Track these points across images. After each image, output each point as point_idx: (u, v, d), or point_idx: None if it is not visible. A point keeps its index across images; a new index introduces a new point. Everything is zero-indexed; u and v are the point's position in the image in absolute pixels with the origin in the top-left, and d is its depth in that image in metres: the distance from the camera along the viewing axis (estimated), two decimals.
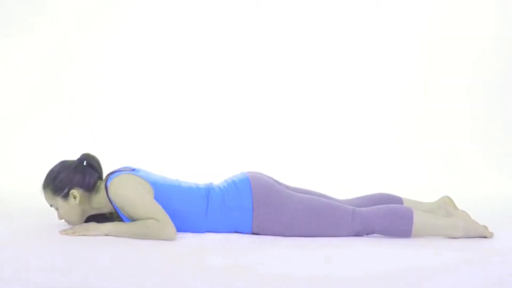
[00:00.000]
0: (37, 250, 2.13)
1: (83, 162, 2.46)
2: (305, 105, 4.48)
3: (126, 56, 4.48)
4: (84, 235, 2.31)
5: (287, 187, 2.63)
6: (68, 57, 4.42)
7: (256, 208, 2.41)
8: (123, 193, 2.30)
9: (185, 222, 2.42)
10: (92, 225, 2.36)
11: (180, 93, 4.48)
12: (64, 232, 2.33)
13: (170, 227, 2.30)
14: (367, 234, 2.49)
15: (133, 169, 2.43)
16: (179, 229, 2.41)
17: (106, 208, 2.44)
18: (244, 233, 2.47)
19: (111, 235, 2.31)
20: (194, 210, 2.41)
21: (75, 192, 2.38)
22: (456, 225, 2.46)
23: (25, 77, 4.39)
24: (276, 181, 2.61)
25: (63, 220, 2.48)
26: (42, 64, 4.40)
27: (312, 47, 4.49)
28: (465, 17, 4.44)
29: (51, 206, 2.44)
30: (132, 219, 2.35)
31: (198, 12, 4.49)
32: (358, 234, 2.47)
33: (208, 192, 2.45)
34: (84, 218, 2.46)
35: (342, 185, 3.70)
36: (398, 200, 2.67)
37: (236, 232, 2.48)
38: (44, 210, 2.66)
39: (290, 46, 4.51)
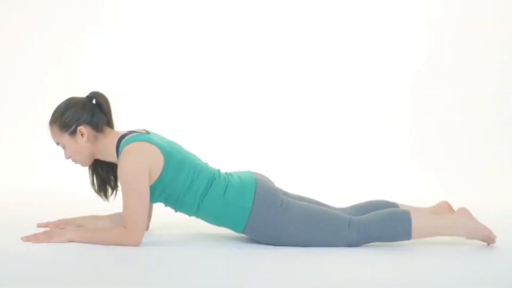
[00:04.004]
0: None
1: (92, 100, 2.38)
2: (306, 107, 4.44)
3: (126, 55, 4.46)
4: (48, 242, 2.21)
5: (285, 193, 2.53)
6: (68, 56, 4.43)
7: (254, 210, 2.31)
8: (126, 172, 2.21)
9: (183, 199, 2.33)
10: (55, 232, 2.28)
11: (180, 93, 4.44)
12: (26, 239, 2.23)
13: (136, 237, 2.24)
14: (364, 243, 2.38)
15: (149, 133, 2.36)
16: (174, 206, 2.36)
17: (111, 158, 2.36)
18: (234, 231, 2.39)
19: (75, 242, 2.22)
20: (195, 190, 2.32)
21: (82, 129, 2.30)
22: (457, 223, 2.37)
23: (24, 78, 4.40)
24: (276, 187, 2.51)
25: (69, 160, 2.38)
26: (42, 64, 4.42)
27: (313, 48, 4.47)
28: (466, 17, 4.39)
29: (57, 144, 2.36)
30: None
31: (200, 9, 4.48)
32: (355, 245, 2.37)
33: (214, 178, 2.37)
34: (91, 160, 2.39)
35: (342, 188, 3.70)
36: (394, 206, 2.58)
37: (225, 227, 2.40)
38: (43, 210, 2.62)
39: (292, 47, 4.48)
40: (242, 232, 2.37)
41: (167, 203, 2.37)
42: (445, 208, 2.57)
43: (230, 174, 2.46)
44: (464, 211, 2.43)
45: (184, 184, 2.31)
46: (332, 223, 2.35)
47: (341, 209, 2.58)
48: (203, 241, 2.42)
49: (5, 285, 1.73)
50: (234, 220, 2.34)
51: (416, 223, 2.33)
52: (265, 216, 2.32)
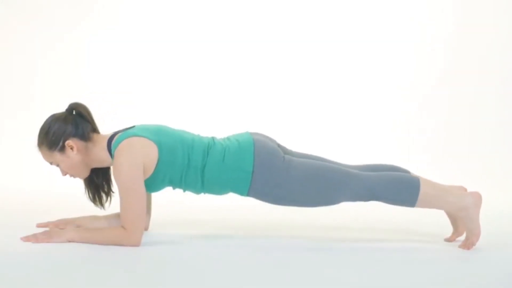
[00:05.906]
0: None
1: (72, 112, 2.35)
2: (305, 108, 4.42)
3: (126, 55, 4.44)
4: (48, 242, 2.20)
5: (288, 151, 2.50)
6: (68, 56, 4.42)
7: (256, 172, 2.28)
8: (121, 173, 2.19)
9: (186, 177, 2.31)
10: (55, 232, 2.26)
11: (180, 92, 4.42)
12: (26, 239, 2.21)
13: (136, 237, 2.21)
14: (370, 199, 2.35)
15: (133, 126, 2.34)
16: (180, 186, 2.34)
17: (107, 163, 2.34)
18: (239, 195, 2.36)
19: (74, 242, 2.21)
20: (194, 164, 2.30)
21: (70, 142, 2.27)
22: (463, 200, 2.31)
23: (24, 77, 4.40)
24: (278, 144, 2.49)
25: (67, 176, 2.37)
26: (42, 64, 4.41)
27: (313, 48, 4.45)
28: (466, 17, 4.38)
29: (51, 164, 2.34)
30: None
31: (200, 9, 4.48)
32: (361, 199, 2.34)
33: (209, 147, 2.34)
34: (89, 171, 2.36)
35: None
36: (406, 172, 2.51)
37: (231, 193, 2.37)
38: (43, 210, 2.59)
39: (292, 47, 4.47)
40: (247, 195, 2.34)
41: (174, 185, 2.36)
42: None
43: (228, 138, 2.42)
44: (476, 195, 2.35)
45: (183, 163, 2.29)
46: (337, 177, 2.31)
47: (352, 166, 2.51)
48: (203, 241, 2.40)
49: (5, 285, 1.72)
50: (237, 184, 2.31)
51: (423, 191, 2.30)
52: (267, 176, 2.28)
